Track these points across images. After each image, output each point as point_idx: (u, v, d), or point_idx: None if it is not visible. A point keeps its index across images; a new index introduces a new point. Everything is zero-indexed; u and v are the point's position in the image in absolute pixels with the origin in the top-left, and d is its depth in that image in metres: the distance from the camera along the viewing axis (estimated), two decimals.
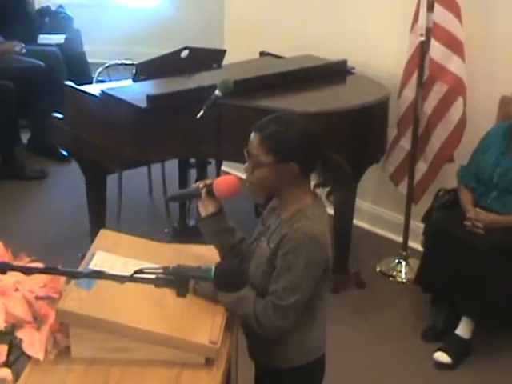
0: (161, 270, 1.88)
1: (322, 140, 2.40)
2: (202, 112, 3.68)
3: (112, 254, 2.47)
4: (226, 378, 2.48)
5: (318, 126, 2.42)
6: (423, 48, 4.28)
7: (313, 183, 2.45)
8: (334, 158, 2.41)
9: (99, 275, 1.94)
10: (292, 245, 2.29)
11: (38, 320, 2.23)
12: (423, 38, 4.25)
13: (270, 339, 2.40)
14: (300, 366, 2.48)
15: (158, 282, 1.87)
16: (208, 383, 2.15)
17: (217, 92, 3.70)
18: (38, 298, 2.29)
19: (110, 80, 5.04)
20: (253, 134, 2.36)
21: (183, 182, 4.86)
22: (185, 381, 2.16)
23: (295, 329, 2.40)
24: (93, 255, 2.44)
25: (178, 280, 1.87)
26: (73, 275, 2.00)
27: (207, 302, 2.36)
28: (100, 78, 5.21)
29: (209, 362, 2.21)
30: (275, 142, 2.32)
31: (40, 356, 2.16)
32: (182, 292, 1.88)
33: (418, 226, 4.49)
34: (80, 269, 2.34)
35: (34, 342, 2.17)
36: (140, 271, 1.87)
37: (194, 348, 2.21)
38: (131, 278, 1.86)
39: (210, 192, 2.49)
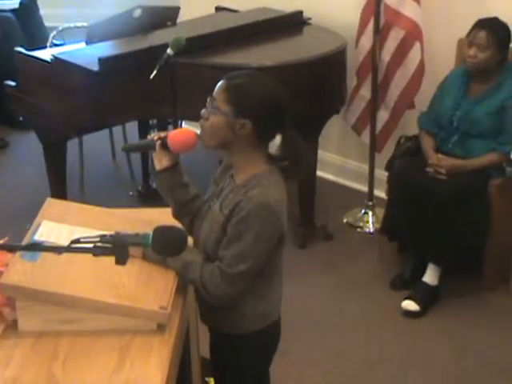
0: (98, 239, 1.83)
1: (287, 113, 2.32)
2: (154, 72, 3.60)
3: (59, 224, 2.42)
4: (184, 342, 2.47)
5: (276, 80, 2.35)
6: None
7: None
8: (295, 137, 2.34)
9: (35, 247, 1.90)
10: (244, 214, 2.23)
11: None
12: None
13: (218, 306, 2.36)
14: (255, 331, 2.43)
15: (95, 251, 1.82)
16: (160, 349, 2.12)
17: (169, 50, 3.62)
18: None
19: (65, 44, 4.93)
20: (221, 81, 2.31)
21: None
22: (136, 348, 2.12)
23: (251, 296, 2.36)
24: (38, 225, 2.39)
25: (115, 248, 1.82)
26: (9, 249, 1.94)
27: (157, 266, 2.33)
28: (57, 42, 5.10)
29: (160, 328, 2.18)
30: (237, 94, 2.26)
31: None
32: (120, 260, 1.83)
33: (382, 174, 4.45)
34: (25, 240, 2.30)
35: None
36: (77, 241, 1.82)
37: (144, 315, 2.17)
38: (68, 249, 1.82)
39: (164, 145, 2.40)
